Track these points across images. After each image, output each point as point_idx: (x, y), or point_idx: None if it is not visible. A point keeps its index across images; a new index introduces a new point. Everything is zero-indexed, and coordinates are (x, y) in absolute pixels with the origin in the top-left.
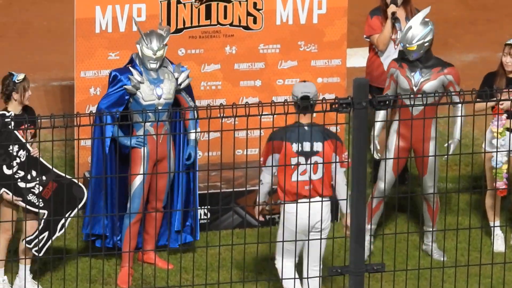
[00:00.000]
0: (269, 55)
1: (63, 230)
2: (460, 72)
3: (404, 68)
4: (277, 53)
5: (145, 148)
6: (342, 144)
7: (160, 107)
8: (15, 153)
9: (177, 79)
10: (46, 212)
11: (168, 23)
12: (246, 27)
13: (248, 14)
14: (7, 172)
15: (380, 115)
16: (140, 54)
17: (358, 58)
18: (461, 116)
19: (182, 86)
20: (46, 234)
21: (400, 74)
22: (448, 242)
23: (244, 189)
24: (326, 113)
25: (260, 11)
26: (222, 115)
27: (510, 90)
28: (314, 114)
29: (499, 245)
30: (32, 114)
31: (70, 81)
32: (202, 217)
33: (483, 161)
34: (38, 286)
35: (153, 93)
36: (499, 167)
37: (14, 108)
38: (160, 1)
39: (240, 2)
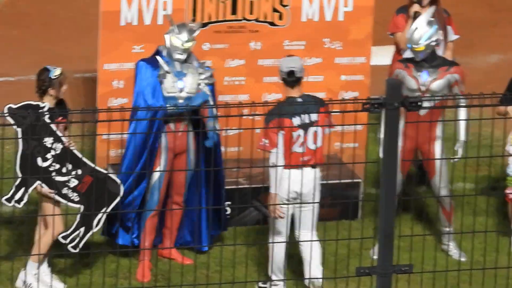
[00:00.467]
0: (293, 52)
1: (100, 225)
2: (484, 74)
3: (410, 68)
4: (302, 50)
5: (162, 139)
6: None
7: (181, 101)
8: (49, 145)
9: (200, 74)
10: (82, 206)
11: (194, 17)
12: (272, 23)
13: (274, 10)
14: (42, 164)
15: None
16: (168, 43)
17: (382, 56)
18: (467, 119)
19: (204, 82)
20: (82, 229)
21: (407, 75)
22: (467, 242)
23: (262, 185)
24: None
25: (286, 7)
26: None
27: None
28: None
29: None
30: (65, 107)
31: (93, 73)
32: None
33: (506, 163)
34: (53, 281)
35: (175, 85)
36: (510, 175)
37: (49, 102)
38: None
39: None
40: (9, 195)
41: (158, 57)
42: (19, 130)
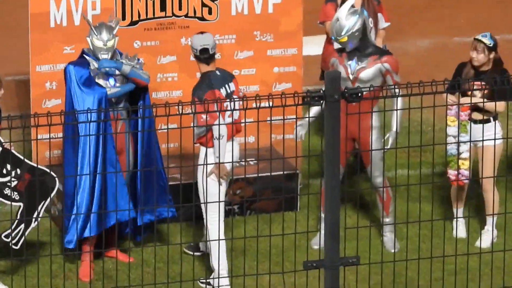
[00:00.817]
0: (225, 46)
1: (37, 221)
2: (415, 58)
3: (343, 57)
4: (233, 44)
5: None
6: None
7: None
8: None
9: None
10: (21, 204)
11: (123, 15)
12: (202, 18)
13: (203, 5)
14: None
15: (313, 110)
16: (91, 46)
17: (313, 46)
18: (402, 109)
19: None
20: (22, 226)
21: (339, 63)
22: (412, 231)
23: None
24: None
25: (215, 2)
26: (181, 112)
27: (470, 81)
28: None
29: (460, 231)
30: None
31: (25, 76)
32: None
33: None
34: None
35: (107, 83)
36: (451, 155)
37: None
38: None
39: None
40: None
41: (85, 56)
42: None
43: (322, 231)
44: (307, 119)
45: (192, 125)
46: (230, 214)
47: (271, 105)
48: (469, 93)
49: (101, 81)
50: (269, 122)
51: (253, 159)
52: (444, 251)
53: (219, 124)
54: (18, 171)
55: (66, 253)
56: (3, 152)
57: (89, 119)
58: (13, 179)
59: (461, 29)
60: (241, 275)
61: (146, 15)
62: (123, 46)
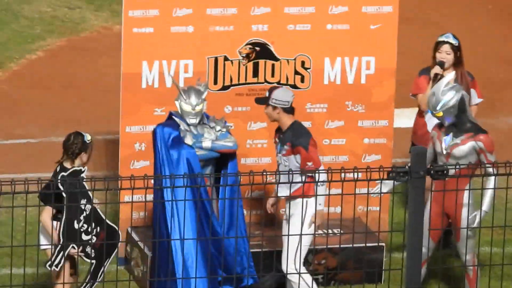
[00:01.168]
0: (316, 114)
1: (102, 276)
2: (505, 135)
3: (441, 132)
4: (324, 113)
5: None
6: None
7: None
8: (83, 207)
9: (214, 128)
10: (94, 262)
11: (215, 80)
12: (294, 86)
13: (296, 72)
14: (76, 226)
15: (388, 185)
16: (179, 110)
17: (404, 118)
18: (494, 188)
19: (220, 131)
20: (91, 282)
21: (436, 137)
22: None
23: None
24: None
25: (308, 70)
26: (265, 181)
27: None
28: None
29: None
30: None
31: (115, 135)
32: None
33: None
34: None
35: (195, 146)
36: None
37: (78, 165)
38: (208, 58)
39: (288, 60)
40: (49, 262)
41: (174, 117)
42: (65, 196)
43: None
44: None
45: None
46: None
47: (356, 177)
48: None
49: (189, 142)
50: (354, 195)
51: (339, 230)
52: None
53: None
54: (98, 229)
55: None
56: (92, 210)
57: (177, 182)
58: (93, 237)
59: None
60: None
61: (238, 80)
62: (214, 110)
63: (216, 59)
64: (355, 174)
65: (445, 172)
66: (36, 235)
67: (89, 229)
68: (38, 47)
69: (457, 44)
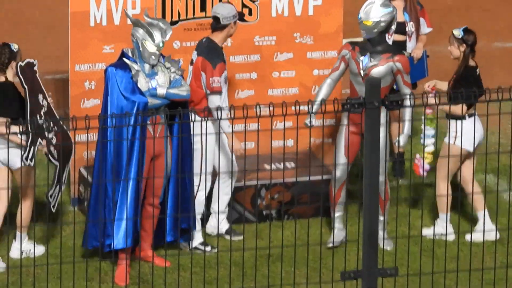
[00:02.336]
0: (264, 47)
1: (65, 182)
2: (453, 62)
3: (356, 51)
4: (273, 45)
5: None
6: None
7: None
8: (41, 102)
9: (168, 68)
10: (57, 164)
11: (163, 15)
12: (241, 19)
13: (243, 5)
14: (40, 121)
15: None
16: (141, 48)
17: None
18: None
19: (174, 74)
20: (57, 188)
21: (351, 58)
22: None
23: (243, 184)
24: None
25: (255, 3)
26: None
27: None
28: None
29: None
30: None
31: (64, 74)
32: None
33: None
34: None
35: (149, 85)
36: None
37: (10, 76)
38: None
39: None
40: (25, 155)
41: (125, 60)
42: (26, 87)
43: (335, 230)
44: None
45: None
46: (267, 218)
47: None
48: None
49: (142, 83)
50: (309, 127)
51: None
52: (483, 261)
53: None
54: (56, 128)
55: (103, 260)
56: (48, 108)
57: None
58: (53, 136)
59: (501, 33)
60: (278, 284)
61: (186, 15)
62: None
63: None
64: (309, 106)
65: (399, 102)
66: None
67: (50, 127)
68: None
69: None
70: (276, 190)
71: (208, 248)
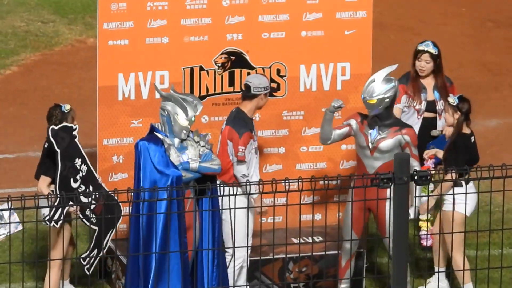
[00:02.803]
0: (292, 122)
1: (106, 247)
2: (484, 137)
3: (364, 125)
4: (301, 120)
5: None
6: None
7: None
8: (79, 167)
9: (198, 143)
10: (97, 228)
11: (191, 90)
12: (270, 94)
13: (272, 80)
14: (74, 185)
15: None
16: (172, 122)
17: None
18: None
19: (204, 148)
20: (95, 251)
21: (359, 130)
22: None
23: (272, 257)
24: None
25: (283, 78)
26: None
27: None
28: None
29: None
30: None
31: (92, 148)
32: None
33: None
34: None
35: (180, 159)
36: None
37: None
38: (183, 68)
39: (263, 68)
40: (49, 216)
41: (157, 134)
42: (58, 151)
43: None
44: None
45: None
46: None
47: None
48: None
49: (174, 157)
50: (337, 202)
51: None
52: None
53: None
54: (97, 194)
55: None
56: (88, 172)
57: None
58: (94, 201)
59: None
60: None
61: (214, 90)
62: None
63: (191, 69)
64: (338, 181)
65: (428, 177)
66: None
67: (87, 192)
68: (13, 62)
69: (436, 53)
70: (303, 264)
71: None
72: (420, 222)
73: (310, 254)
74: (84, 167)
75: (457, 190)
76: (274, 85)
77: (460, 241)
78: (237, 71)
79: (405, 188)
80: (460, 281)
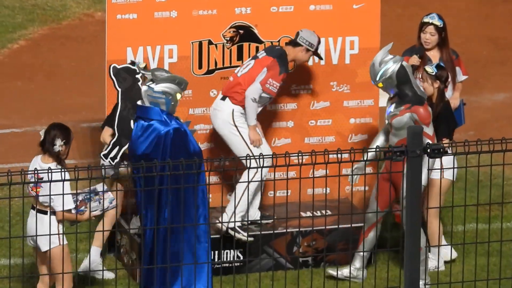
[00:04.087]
0: (301, 96)
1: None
2: (491, 112)
3: (390, 101)
4: (309, 94)
5: None
6: None
7: None
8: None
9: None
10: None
11: (200, 64)
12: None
13: None
14: (132, 125)
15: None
16: (173, 102)
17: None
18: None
19: None
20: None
21: (387, 105)
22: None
23: (272, 232)
24: None
25: None
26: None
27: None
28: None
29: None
30: None
31: (99, 123)
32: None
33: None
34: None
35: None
36: None
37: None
38: (192, 42)
39: (272, 42)
40: (105, 152)
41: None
42: (119, 89)
43: (351, 267)
44: (363, 163)
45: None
46: (304, 265)
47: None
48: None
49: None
50: (350, 175)
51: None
52: None
53: None
54: None
55: None
56: None
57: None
58: None
59: None
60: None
61: (223, 64)
62: (200, 94)
63: (200, 43)
64: (350, 155)
65: (441, 150)
66: (20, 226)
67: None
68: (20, 36)
69: (441, 25)
70: (312, 238)
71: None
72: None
73: (321, 227)
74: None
75: (445, 158)
76: None
77: (437, 208)
78: (245, 45)
79: (419, 161)
80: (435, 242)
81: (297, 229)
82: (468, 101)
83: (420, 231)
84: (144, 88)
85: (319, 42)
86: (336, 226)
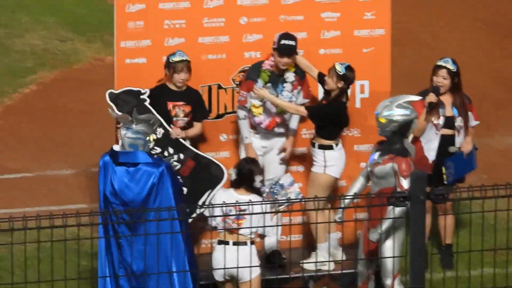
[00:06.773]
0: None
1: (202, 212)
2: (503, 155)
3: (374, 147)
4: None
5: None
6: None
7: None
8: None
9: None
10: (185, 189)
11: (209, 108)
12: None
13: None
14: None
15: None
16: (149, 141)
17: None
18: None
19: None
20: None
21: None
22: None
23: (288, 276)
24: None
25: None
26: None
27: None
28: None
29: None
30: (195, 96)
31: None
32: None
33: None
34: None
35: None
36: None
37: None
38: (201, 87)
39: None
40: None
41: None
42: (119, 114)
43: None
44: (341, 211)
45: None
46: None
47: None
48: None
49: None
50: (355, 221)
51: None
52: None
53: None
54: (181, 156)
55: None
56: (165, 136)
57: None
58: (175, 163)
59: None
60: None
61: (233, 108)
62: (209, 138)
63: (209, 88)
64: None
65: (445, 195)
66: (35, 271)
67: (165, 154)
68: (31, 81)
69: (455, 70)
70: (324, 282)
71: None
72: None
73: (329, 272)
74: (159, 130)
75: (329, 153)
76: None
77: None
78: None
79: (422, 206)
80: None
81: (309, 274)
82: (480, 144)
83: (424, 277)
84: (122, 131)
85: (280, 37)
86: (346, 271)
